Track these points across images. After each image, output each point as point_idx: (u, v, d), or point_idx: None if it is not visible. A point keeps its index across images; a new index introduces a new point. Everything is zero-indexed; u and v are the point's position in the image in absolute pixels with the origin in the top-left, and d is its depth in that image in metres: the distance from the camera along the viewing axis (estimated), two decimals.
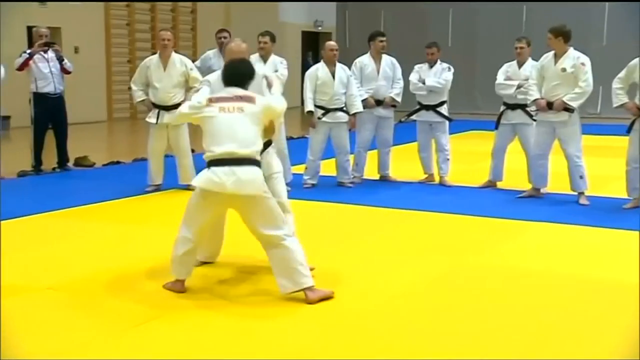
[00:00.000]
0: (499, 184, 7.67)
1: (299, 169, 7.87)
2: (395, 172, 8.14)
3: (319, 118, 7.44)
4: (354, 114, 7.52)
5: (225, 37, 8.27)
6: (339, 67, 7.50)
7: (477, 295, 4.27)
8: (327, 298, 4.05)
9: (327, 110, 7.45)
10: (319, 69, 7.47)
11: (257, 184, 3.94)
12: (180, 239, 4.16)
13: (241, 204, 3.99)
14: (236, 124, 3.97)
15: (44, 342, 3.49)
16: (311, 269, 4.45)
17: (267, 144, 4.50)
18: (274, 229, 4.02)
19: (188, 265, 4.19)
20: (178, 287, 4.18)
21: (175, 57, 7.25)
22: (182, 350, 3.41)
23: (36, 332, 3.62)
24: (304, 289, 4.03)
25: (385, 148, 8.05)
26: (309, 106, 7.39)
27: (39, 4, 13.19)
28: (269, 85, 4.36)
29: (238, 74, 4.17)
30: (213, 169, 3.93)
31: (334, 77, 7.42)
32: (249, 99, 4.06)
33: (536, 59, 7.04)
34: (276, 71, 7.25)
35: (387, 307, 4.03)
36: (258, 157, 4.03)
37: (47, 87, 8.29)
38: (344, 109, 7.51)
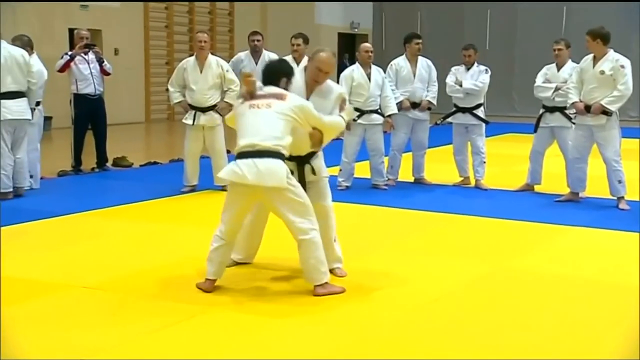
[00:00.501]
0: (537, 188, 7.56)
1: (333, 170, 7.85)
2: (430, 175, 8.09)
3: (354, 120, 7.43)
4: (389, 116, 7.50)
5: (258, 40, 8.31)
6: (375, 69, 7.48)
7: (508, 300, 4.22)
8: (336, 294, 4.14)
9: (362, 112, 7.44)
10: (355, 71, 7.46)
11: (278, 176, 3.96)
12: (213, 237, 4.23)
13: (264, 195, 4.06)
14: (262, 118, 4.07)
15: (73, 339, 3.54)
16: (342, 276, 4.47)
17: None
18: (300, 220, 4.07)
19: (216, 264, 4.18)
20: (205, 285, 4.21)
21: (211, 59, 7.31)
22: (205, 352, 3.43)
23: (68, 329, 3.67)
24: (314, 285, 4.12)
25: (420, 151, 8.00)
26: None
27: (80, 7, 13.43)
28: (341, 109, 4.40)
29: (273, 73, 4.27)
30: (237, 161, 4.04)
31: (369, 78, 7.41)
32: (280, 96, 4.13)
33: (578, 61, 6.91)
34: None
35: (420, 309, 4.00)
36: (284, 152, 4.05)
37: (87, 89, 8.43)
38: (379, 110, 7.49)
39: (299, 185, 4.15)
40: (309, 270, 4.13)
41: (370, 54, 7.43)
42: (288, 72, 4.29)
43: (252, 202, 4.17)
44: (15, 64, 6.76)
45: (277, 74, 4.26)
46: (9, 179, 6.80)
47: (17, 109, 6.76)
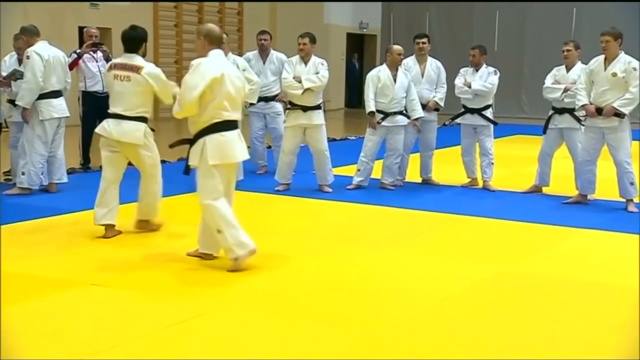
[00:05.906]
0: (545, 190, 7.54)
1: (340, 170, 7.85)
2: (438, 176, 8.07)
3: (379, 122, 7.41)
4: (417, 119, 7.49)
5: (265, 40, 8.35)
6: (401, 71, 7.47)
7: (514, 302, 4.21)
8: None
9: (385, 115, 7.41)
10: (381, 71, 7.45)
11: (135, 135, 5.24)
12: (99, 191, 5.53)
13: (127, 151, 5.29)
14: (124, 90, 5.21)
15: (82, 336, 3.55)
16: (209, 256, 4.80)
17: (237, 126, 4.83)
18: (155, 173, 5.45)
19: (103, 206, 5.47)
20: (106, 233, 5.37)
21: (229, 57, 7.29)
22: (215, 349, 3.43)
23: (77, 326, 3.68)
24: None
25: (428, 151, 7.99)
26: (371, 107, 7.37)
27: (90, 6, 13.48)
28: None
29: (133, 40, 5.27)
30: (107, 119, 5.27)
31: (395, 80, 7.40)
32: (136, 69, 5.19)
33: (587, 63, 6.87)
34: (317, 73, 7.26)
35: (427, 311, 4.00)
36: (146, 115, 5.28)
37: (96, 86, 8.48)
38: (404, 112, 7.48)
39: (154, 145, 5.38)
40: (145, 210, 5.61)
41: (402, 57, 7.44)
42: (145, 38, 5.34)
43: (118, 153, 5.33)
44: (59, 63, 7.06)
45: (137, 42, 5.26)
46: (38, 176, 6.97)
47: (60, 107, 7.07)
